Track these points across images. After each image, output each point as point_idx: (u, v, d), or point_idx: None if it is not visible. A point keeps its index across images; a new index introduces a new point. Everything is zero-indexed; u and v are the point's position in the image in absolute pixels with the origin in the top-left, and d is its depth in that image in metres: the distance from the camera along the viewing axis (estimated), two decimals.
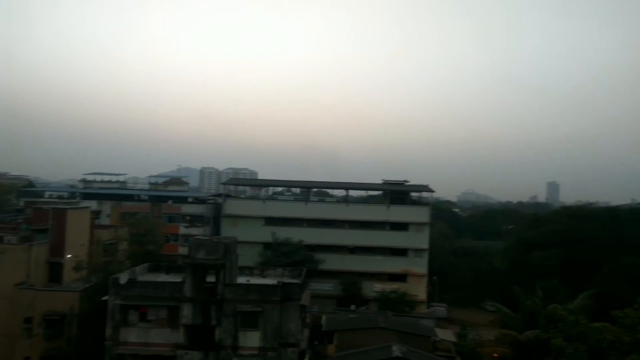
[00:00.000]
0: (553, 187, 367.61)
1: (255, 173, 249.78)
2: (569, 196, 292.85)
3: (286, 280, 34.50)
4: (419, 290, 55.24)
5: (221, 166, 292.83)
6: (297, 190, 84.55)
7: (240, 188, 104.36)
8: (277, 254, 51.17)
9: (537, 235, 67.18)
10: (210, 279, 32.32)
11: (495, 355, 30.57)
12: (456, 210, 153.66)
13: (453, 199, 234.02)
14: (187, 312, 29.62)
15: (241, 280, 33.94)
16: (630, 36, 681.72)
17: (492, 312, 50.03)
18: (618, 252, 57.06)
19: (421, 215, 57.52)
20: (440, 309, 57.96)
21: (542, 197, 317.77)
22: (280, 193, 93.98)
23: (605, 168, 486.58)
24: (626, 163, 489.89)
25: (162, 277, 35.64)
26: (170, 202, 63.22)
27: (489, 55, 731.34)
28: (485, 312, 58.04)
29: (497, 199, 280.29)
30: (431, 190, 60.52)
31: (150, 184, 77.52)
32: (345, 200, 63.65)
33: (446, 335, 37.54)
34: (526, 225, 79.61)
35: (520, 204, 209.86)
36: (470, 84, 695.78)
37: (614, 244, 60.89)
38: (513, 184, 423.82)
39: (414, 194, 62.88)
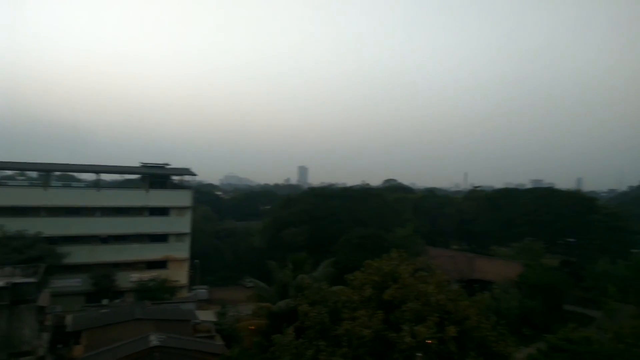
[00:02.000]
0: (303, 170, 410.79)
1: None
2: (316, 178, 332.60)
3: (18, 280, 29.00)
4: (180, 275, 54.24)
5: None
6: (35, 174, 71.69)
7: None
8: (6, 250, 42.46)
9: (289, 214, 73.79)
10: None
11: (251, 327, 32.41)
12: (219, 193, 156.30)
13: (216, 182, 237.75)
14: None
15: None
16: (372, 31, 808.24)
17: (251, 288, 53.01)
18: (351, 225, 67.58)
19: (183, 199, 56.30)
20: (202, 292, 58.34)
21: (294, 180, 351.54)
22: (11, 177, 78.23)
23: (344, 153, 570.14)
24: (360, 149, 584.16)
25: None
26: None
27: (248, 47, 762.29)
28: (245, 289, 61.13)
29: (257, 182, 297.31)
30: (193, 174, 59.76)
31: None
32: (97, 184, 57.30)
33: (206, 316, 38.03)
34: (281, 205, 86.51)
35: (276, 186, 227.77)
36: (234, 73, 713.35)
37: (348, 218, 71.83)
38: (270, 168, 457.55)
39: (175, 178, 60.96)
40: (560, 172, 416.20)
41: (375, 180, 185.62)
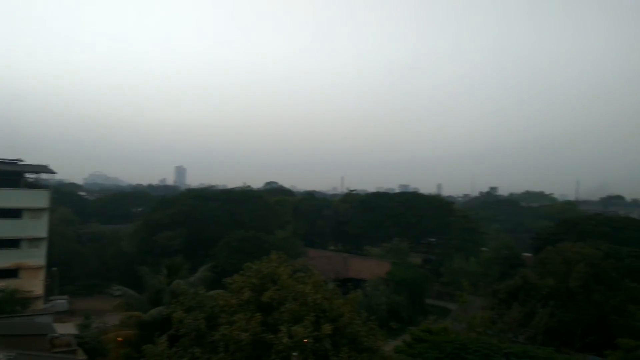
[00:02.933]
0: (181, 170, 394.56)
1: None
2: (195, 179, 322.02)
3: None
4: (35, 284, 48.23)
5: None
6: None
7: None
8: None
9: (164, 216, 70.24)
10: None
11: (119, 339, 30.09)
12: (83, 193, 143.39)
13: (79, 181, 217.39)
14: None
15: None
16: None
17: (120, 297, 49.26)
18: (231, 228, 66.62)
19: (38, 199, 50.18)
20: (61, 302, 52.83)
21: (171, 180, 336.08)
22: None
23: (225, 155, 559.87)
24: (242, 151, 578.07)
25: None
26: None
27: (111, 40, 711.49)
28: (112, 298, 56.57)
29: (128, 182, 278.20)
30: (51, 172, 53.72)
31: None
32: None
33: (66, 329, 34.55)
34: (154, 207, 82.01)
35: (150, 186, 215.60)
36: (102, 64, 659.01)
37: (228, 220, 70.66)
38: (144, 167, 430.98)
39: (30, 176, 54.16)
40: (424, 178, 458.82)
41: (257, 183, 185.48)
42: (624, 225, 64.75)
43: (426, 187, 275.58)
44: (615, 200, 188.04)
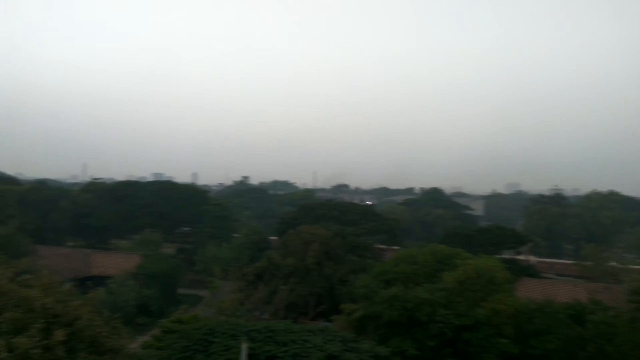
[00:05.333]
0: None
1: None
2: None
3: None
4: None
5: None
6: None
7: None
8: None
9: None
10: None
11: None
12: None
13: None
14: None
15: None
16: None
17: None
18: None
19: None
20: None
21: None
22: None
23: None
24: None
25: None
26: None
27: None
28: None
29: None
30: None
31: None
32: None
33: None
34: None
35: None
36: None
37: None
38: None
39: None
40: (179, 166, 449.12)
41: None
42: (348, 209, 77.55)
43: (181, 176, 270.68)
44: (343, 188, 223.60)
